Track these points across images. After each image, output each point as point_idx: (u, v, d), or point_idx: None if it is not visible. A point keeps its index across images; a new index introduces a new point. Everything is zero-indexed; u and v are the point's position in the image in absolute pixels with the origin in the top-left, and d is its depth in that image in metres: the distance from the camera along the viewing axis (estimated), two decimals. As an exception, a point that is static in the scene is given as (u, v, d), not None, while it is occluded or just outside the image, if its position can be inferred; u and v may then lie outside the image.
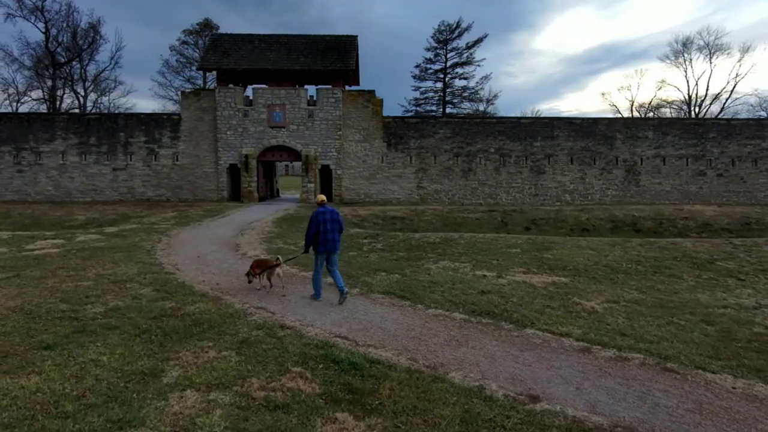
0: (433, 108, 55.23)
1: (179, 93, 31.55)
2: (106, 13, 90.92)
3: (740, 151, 28.11)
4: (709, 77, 68.59)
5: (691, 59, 52.38)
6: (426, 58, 54.01)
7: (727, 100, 51.49)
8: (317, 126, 27.34)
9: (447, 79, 54.46)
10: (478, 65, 53.69)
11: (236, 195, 28.43)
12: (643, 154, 28.03)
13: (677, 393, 5.26)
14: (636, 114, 56.88)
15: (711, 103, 52.07)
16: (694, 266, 12.12)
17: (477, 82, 54.29)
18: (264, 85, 27.81)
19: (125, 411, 4.40)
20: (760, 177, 28.26)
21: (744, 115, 49.66)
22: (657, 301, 8.99)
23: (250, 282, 9.17)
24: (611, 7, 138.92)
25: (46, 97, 47.93)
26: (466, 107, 54.88)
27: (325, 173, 27.96)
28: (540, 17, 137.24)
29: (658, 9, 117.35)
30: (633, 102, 59.36)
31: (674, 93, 70.80)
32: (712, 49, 50.58)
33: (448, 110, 53.38)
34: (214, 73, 48.77)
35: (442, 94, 54.42)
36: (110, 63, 50.53)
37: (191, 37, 51.54)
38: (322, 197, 8.73)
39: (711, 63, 51.14)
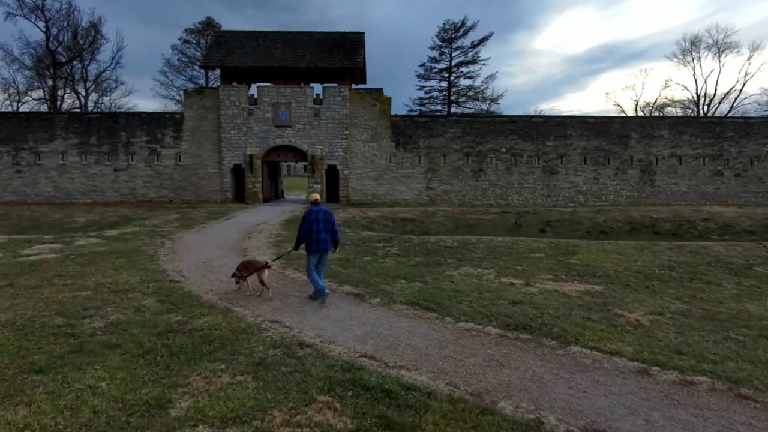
0: (438, 108, 54.52)
1: (181, 93, 30.91)
2: (106, 13, 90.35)
3: (759, 150, 27.36)
4: (718, 76, 67.73)
5: (699, 57, 51.60)
6: (430, 57, 53.29)
7: (736, 99, 50.75)
8: (323, 125, 26.63)
9: (452, 78, 53.74)
10: (484, 64, 52.86)
11: (240, 196, 27.74)
12: (658, 153, 27.28)
13: (764, 428, 4.56)
14: (641, 113, 56.12)
15: (720, 102, 51.32)
16: (731, 272, 11.40)
17: (482, 82, 53.58)
18: (269, 84, 27.10)
19: (127, 458, 3.70)
20: (779, 177, 27.52)
21: (753, 114, 48.88)
22: (704, 313, 8.28)
23: (237, 284, 8.81)
24: (611, 6, 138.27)
25: (47, 97, 47.32)
26: (472, 107, 54.16)
27: (332, 174, 27.26)
28: (540, 17, 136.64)
29: (659, 9, 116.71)
30: (637, 102, 58.63)
31: (680, 92, 70.12)
32: (721, 47, 49.83)
33: (453, 110, 52.67)
34: (217, 72, 48.42)
35: (447, 93, 53.68)
36: (111, 63, 49.96)
37: (193, 36, 50.92)
38: (316, 196, 8.55)
39: (720, 61, 50.38)
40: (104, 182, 27.13)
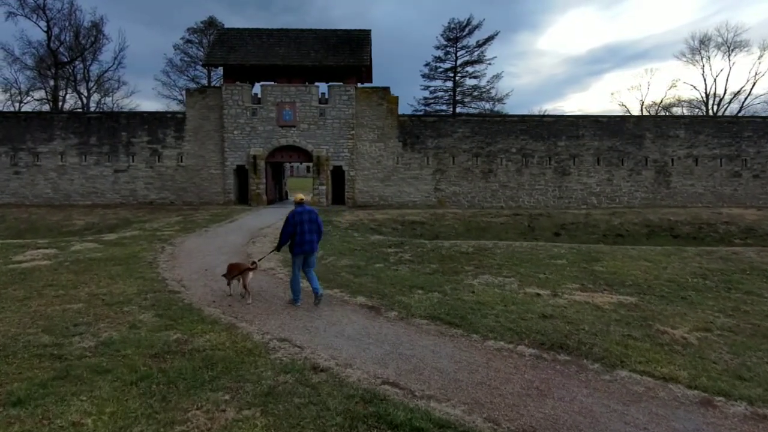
0: (443, 108, 53.79)
1: (184, 92, 30.28)
2: (107, 13, 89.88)
3: (778, 150, 26.53)
4: (728, 75, 66.99)
5: (709, 56, 50.76)
6: (435, 57, 52.53)
7: (746, 98, 49.87)
8: (329, 125, 25.93)
9: (457, 78, 53.00)
10: (489, 63, 52.17)
11: (243, 198, 27.07)
12: (674, 154, 26.48)
13: None
14: (646, 113, 55.31)
15: (730, 102, 50.44)
16: (770, 281, 10.64)
17: (488, 81, 52.82)
18: (272, 83, 26.41)
19: None
20: (798, 179, 26.66)
21: (763, 114, 47.96)
22: (753, 329, 7.54)
23: (228, 285, 8.60)
24: (613, 7, 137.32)
25: (49, 97, 46.81)
26: (477, 107, 53.41)
27: (337, 175, 26.56)
28: (542, 17, 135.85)
29: (661, 9, 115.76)
30: (643, 102, 57.85)
31: (688, 92, 69.19)
32: (731, 45, 48.96)
33: (458, 110, 51.95)
34: (219, 72, 47.83)
35: (452, 93, 52.94)
36: (113, 63, 49.46)
37: (195, 35, 50.34)
38: (301, 196, 8.27)
39: (730, 60, 49.53)
40: (104, 184, 26.49)
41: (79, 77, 48.76)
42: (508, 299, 8.73)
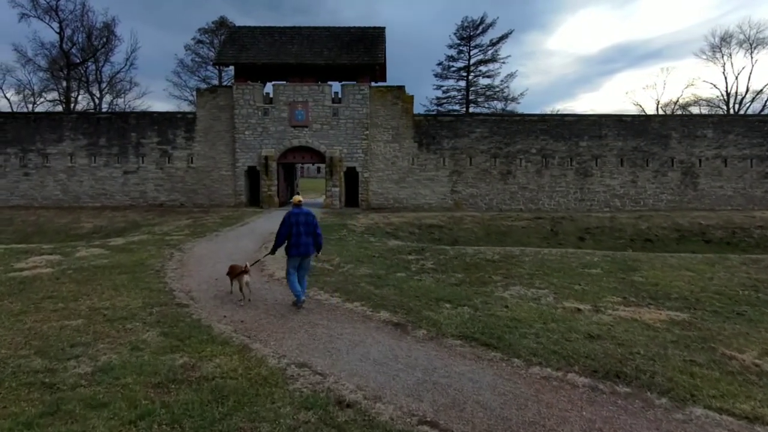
0: (456, 108, 52.98)
1: (194, 93, 29.79)
2: (119, 14, 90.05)
3: (812, 151, 25.29)
4: (750, 73, 65.22)
5: (730, 54, 49.29)
6: (448, 56, 51.79)
7: (769, 97, 48.29)
8: (342, 125, 25.24)
9: (470, 77, 52.14)
10: (503, 62, 51.19)
11: (255, 200, 26.47)
12: (701, 154, 25.39)
13: None
14: (662, 112, 53.94)
15: (752, 100, 48.92)
16: (829, 294, 9.70)
17: (501, 81, 51.91)
18: (284, 82, 25.77)
19: None
20: (833, 180, 25.41)
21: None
22: (830, 352, 6.65)
23: (231, 285, 8.65)
24: (625, 6, 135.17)
25: (62, 98, 46.77)
26: (490, 107, 52.50)
27: (351, 176, 25.83)
28: (552, 17, 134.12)
29: (675, 7, 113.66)
30: (659, 101, 56.51)
31: (707, 91, 67.54)
32: (754, 43, 47.46)
33: (471, 110, 51.08)
34: (231, 72, 47.41)
35: (465, 92, 52.09)
36: (125, 64, 49.30)
37: (206, 35, 50.05)
38: (299, 198, 8.23)
39: (752, 58, 48.06)
40: (113, 185, 26.04)
41: (91, 78, 48.76)
42: (546, 315, 7.93)
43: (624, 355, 6.32)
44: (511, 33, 50.76)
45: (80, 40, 46.01)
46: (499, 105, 51.90)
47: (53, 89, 47.44)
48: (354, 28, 27.04)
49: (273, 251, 8.23)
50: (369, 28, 26.98)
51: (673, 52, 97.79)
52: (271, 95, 25.57)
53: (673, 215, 21.89)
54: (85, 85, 48.50)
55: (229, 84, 36.34)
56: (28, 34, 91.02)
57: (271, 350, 6.20)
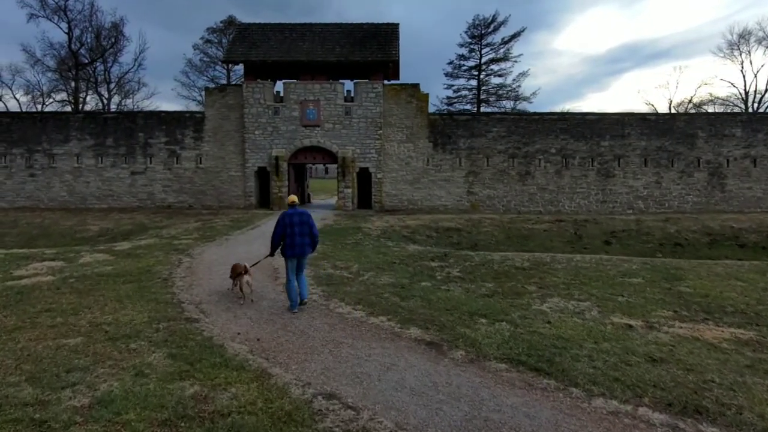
0: (468, 107, 52.08)
1: (203, 93, 29.16)
2: (127, 15, 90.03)
3: None
4: (770, 71, 63.49)
5: (749, 51, 48.08)
6: (459, 55, 50.89)
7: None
8: (355, 124, 24.47)
9: (482, 76, 51.24)
10: (516, 61, 50.27)
11: (265, 201, 25.78)
12: (729, 154, 24.34)
13: None
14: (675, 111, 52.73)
15: (773, 98, 47.54)
16: None
17: (513, 80, 50.97)
18: (295, 80, 25.05)
19: None
20: None
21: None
22: None
23: (234, 284, 8.56)
24: (633, 5, 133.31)
25: (70, 99, 46.48)
26: (502, 106, 51.57)
27: (363, 177, 25.05)
28: (559, 17, 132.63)
29: (682, 7, 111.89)
30: (671, 101, 55.38)
31: (722, 89, 66.09)
32: (774, 40, 46.12)
33: (482, 109, 50.17)
34: (239, 71, 46.83)
35: (476, 92, 51.18)
36: (134, 64, 48.96)
37: (215, 35, 49.56)
38: (293, 198, 8.12)
39: (774, 55, 46.68)
40: (121, 186, 25.45)
41: (99, 79, 48.46)
42: (596, 333, 7.10)
43: (697, 383, 5.49)
44: (523, 31, 49.86)
45: (89, 40, 45.72)
46: (510, 105, 51.01)
47: (62, 90, 47.22)
48: (367, 24, 26.27)
49: (271, 253, 8.12)
50: (382, 24, 26.19)
51: (681, 52, 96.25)
52: (281, 94, 24.86)
53: (702, 218, 20.89)
54: (94, 85, 48.23)
55: (237, 83, 35.69)
56: (36, 35, 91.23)
57: (294, 376, 5.44)
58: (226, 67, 46.68)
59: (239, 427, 4.28)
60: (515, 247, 17.54)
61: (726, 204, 24.19)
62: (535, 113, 26.64)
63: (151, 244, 13.92)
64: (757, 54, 65.28)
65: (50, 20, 43.28)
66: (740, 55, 48.52)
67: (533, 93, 65.65)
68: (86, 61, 46.01)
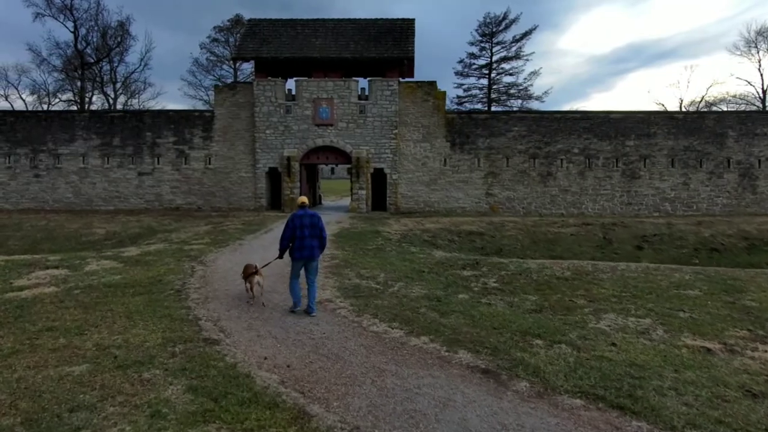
0: (478, 106, 51.16)
1: (210, 93, 28.45)
2: (133, 14, 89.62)
3: None
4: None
5: (767, 49, 46.87)
6: (469, 53, 50.01)
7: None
8: (369, 123, 23.62)
9: (493, 75, 50.34)
10: (527, 59, 49.34)
11: (276, 203, 24.96)
12: (761, 154, 23.32)
13: None
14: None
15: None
16: None
17: (525, 78, 50.04)
18: (308, 77, 24.22)
19: None
20: None
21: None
22: None
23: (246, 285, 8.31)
24: (638, 5, 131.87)
25: (76, 99, 45.94)
26: (513, 105, 50.64)
27: (378, 178, 24.18)
28: (564, 17, 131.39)
29: (688, 7, 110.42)
30: (682, 100, 54.32)
31: (737, 88, 64.74)
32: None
33: (494, 109, 49.24)
34: (246, 71, 46.13)
35: (487, 91, 50.27)
36: (140, 64, 48.37)
37: (222, 34, 48.86)
38: (303, 199, 7.92)
39: (792, 53, 45.49)
40: (128, 187, 24.71)
41: (105, 78, 47.94)
42: (672, 359, 6.21)
43: (820, 429, 4.59)
44: (535, 29, 49.06)
45: (95, 39, 45.20)
46: (521, 104, 50.09)
47: (68, 89, 46.71)
48: (381, 19, 25.41)
49: (280, 255, 7.91)
50: (397, 19, 25.34)
51: (687, 51, 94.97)
52: (293, 92, 24.06)
53: (736, 221, 19.90)
54: (100, 85, 47.69)
55: (248, 81, 34.93)
56: (42, 34, 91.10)
57: (337, 417, 4.58)
58: (233, 65, 46.01)
59: (282, 494, 3.43)
60: (542, 252, 16.65)
61: (758, 206, 23.18)
62: (556, 112, 25.69)
63: (161, 250, 13.11)
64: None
65: (56, 19, 42.79)
66: (758, 53, 47.45)
67: (545, 92, 64.79)
68: (92, 61, 45.45)
